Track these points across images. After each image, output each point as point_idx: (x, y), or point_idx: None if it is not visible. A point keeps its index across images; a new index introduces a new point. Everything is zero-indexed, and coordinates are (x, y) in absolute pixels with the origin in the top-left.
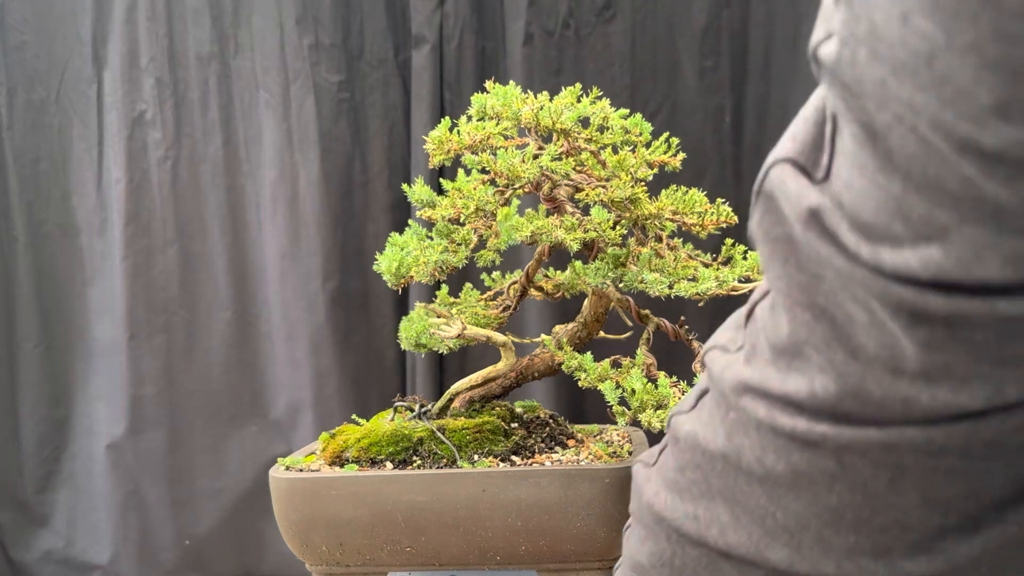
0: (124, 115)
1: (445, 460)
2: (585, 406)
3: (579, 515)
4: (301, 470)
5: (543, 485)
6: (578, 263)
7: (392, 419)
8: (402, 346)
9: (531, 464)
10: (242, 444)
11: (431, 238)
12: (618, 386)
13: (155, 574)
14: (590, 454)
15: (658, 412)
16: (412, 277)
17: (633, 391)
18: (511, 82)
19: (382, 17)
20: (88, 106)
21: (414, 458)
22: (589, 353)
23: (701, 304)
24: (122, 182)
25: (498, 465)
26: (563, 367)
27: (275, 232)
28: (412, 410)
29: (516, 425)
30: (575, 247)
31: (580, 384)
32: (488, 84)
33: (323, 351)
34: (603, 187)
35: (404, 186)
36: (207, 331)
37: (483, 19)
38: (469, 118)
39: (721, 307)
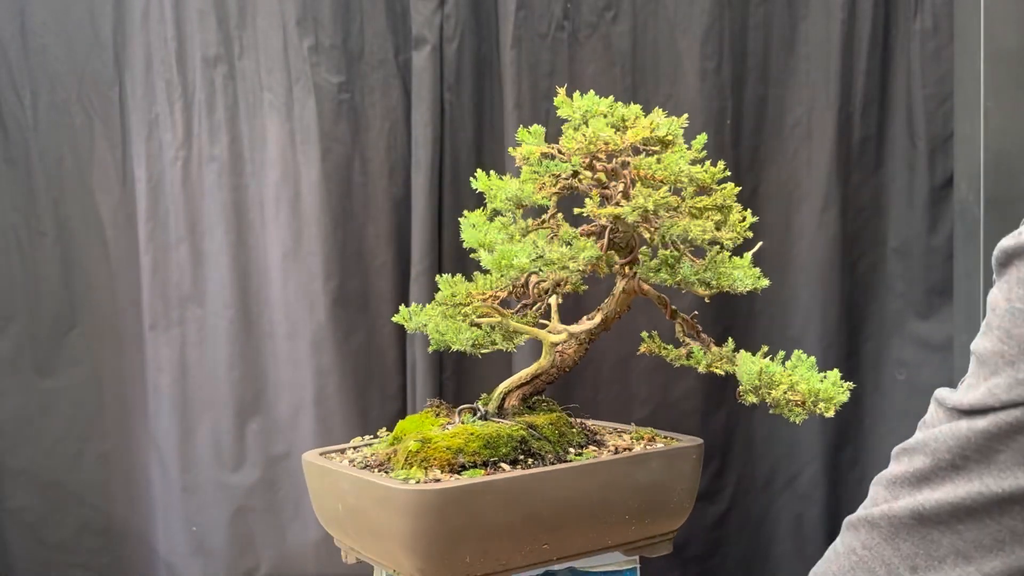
0: (142, 116)
1: (551, 455)
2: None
3: (676, 491)
4: (433, 480)
5: (653, 467)
6: (642, 265)
7: (461, 421)
8: (454, 348)
9: (626, 451)
10: (244, 441)
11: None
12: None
13: (168, 556)
14: (638, 439)
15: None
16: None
17: (760, 372)
18: (590, 91)
19: (382, 18)
20: (110, 107)
21: (524, 457)
22: (696, 343)
23: (708, 300)
24: (142, 181)
25: (603, 455)
26: (668, 359)
27: (278, 232)
28: (476, 411)
29: None
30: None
31: (700, 370)
32: (561, 91)
33: (324, 350)
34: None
35: (500, 182)
36: (213, 328)
37: (483, 20)
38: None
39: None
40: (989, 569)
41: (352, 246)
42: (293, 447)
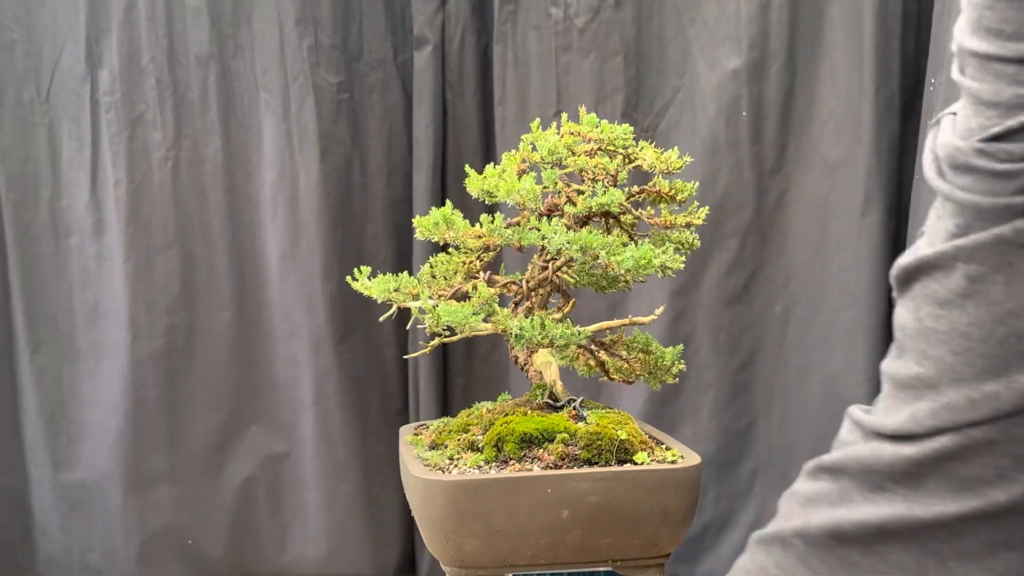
0: (124, 115)
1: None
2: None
3: None
4: (678, 458)
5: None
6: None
7: (581, 413)
8: (519, 345)
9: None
10: (243, 444)
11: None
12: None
13: (157, 574)
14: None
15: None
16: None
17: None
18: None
19: (381, 18)
20: (80, 106)
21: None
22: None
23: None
24: (123, 183)
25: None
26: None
27: (275, 232)
28: (571, 401)
29: None
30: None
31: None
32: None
33: (323, 351)
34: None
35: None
36: (208, 332)
37: (486, 19)
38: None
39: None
40: None
41: (351, 246)
42: (292, 448)
